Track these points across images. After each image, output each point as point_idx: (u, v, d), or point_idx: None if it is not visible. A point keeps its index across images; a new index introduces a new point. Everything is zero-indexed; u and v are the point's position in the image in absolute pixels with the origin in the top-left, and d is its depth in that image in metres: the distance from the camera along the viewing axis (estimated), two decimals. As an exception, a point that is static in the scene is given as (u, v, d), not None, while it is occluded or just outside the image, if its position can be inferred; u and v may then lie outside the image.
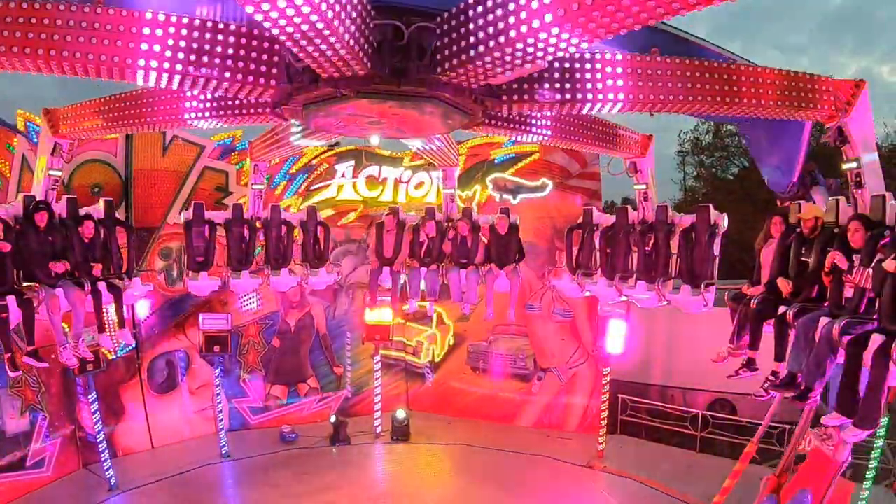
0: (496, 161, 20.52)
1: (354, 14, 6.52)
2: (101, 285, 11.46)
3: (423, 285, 13.74)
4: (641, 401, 19.36)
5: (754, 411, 19.65)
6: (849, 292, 7.91)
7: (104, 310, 11.56)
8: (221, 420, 17.83)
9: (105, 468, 15.12)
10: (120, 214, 15.44)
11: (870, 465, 14.95)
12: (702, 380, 18.83)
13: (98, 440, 15.16)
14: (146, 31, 7.18)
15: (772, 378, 8.86)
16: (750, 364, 9.64)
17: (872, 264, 7.40)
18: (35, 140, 13.57)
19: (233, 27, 7.53)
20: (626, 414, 19.39)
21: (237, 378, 19.81)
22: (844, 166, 9.32)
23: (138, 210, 17.49)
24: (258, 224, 14.09)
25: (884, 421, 17.76)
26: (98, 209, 12.13)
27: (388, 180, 21.04)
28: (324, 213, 18.24)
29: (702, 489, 14.44)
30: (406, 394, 22.13)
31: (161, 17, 7.23)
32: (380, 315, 17.62)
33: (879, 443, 17.06)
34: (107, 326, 11.77)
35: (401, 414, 19.53)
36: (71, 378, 15.26)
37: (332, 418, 19.10)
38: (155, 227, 17.89)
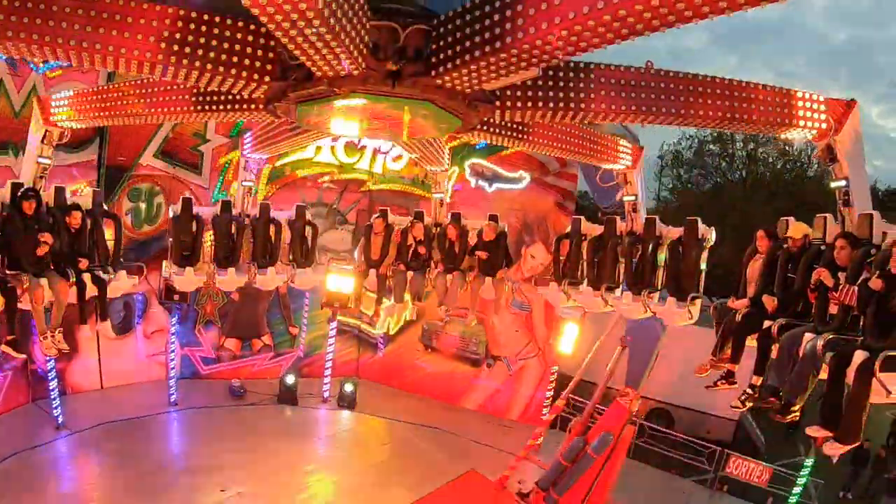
0: (477, 146, 20.54)
1: (351, 14, 6.52)
2: (86, 276, 11.38)
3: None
4: (582, 400, 19.42)
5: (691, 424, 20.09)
6: (833, 309, 7.97)
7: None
8: (173, 368, 17.80)
9: (54, 405, 15.02)
10: (93, 150, 15.31)
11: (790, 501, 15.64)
12: (645, 389, 19.01)
13: (49, 377, 15.00)
14: (142, 21, 7.16)
15: (750, 391, 8.91)
16: (729, 377, 9.68)
17: (858, 282, 7.45)
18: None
19: (229, 21, 7.51)
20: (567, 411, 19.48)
21: (193, 327, 19.76)
22: (833, 185, 9.40)
23: (112, 148, 17.35)
24: (246, 221, 14.02)
25: (809, 461, 18.16)
26: (86, 198, 12.05)
27: (367, 149, 21.04)
28: (303, 172, 18.01)
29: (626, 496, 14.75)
30: (357, 362, 22.29)
31: (157, 8, 7.22)
32: (340, 283, 17.31)
33: (803, 480, 17.51)
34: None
35: (349, 387, 19.83)
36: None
37: (291, 378, 19.14)
38: (127, 167, 17.75)
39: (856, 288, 7.40)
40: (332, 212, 21.04)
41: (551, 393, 17.93)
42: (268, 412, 18.77)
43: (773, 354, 8.67)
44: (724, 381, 9.74)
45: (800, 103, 9.22)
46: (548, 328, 19.87)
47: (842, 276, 7.89)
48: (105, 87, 10.43)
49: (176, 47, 7.33)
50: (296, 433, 17.79)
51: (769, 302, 9.06)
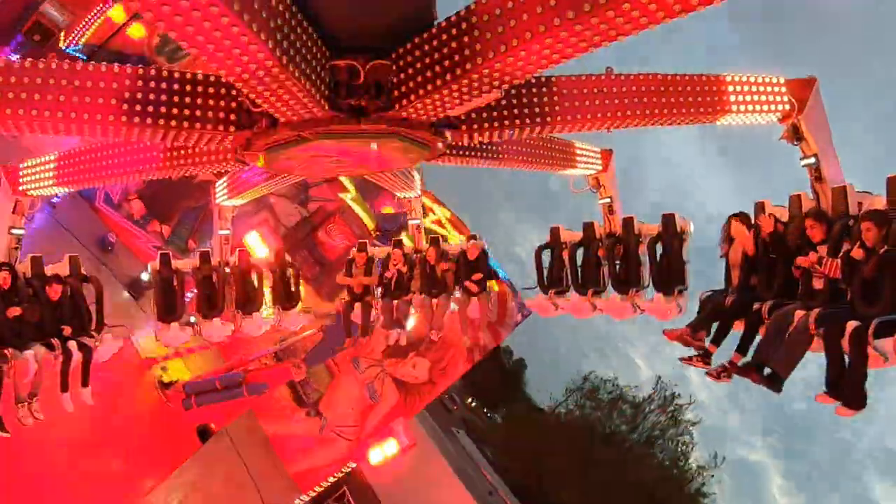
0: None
1: (310, 57, 6.53)
2: (72, 344, 11.25)
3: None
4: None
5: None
6: (818, 284, 8.08)
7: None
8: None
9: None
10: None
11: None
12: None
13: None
14: (101, 84, 7.15)
15: (728, 366, 8.87)
16: (706, 356, 9.51)
17: (840, 254, 7.56)
18: None
19: (187, 75, 7.50)
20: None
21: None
22: (803, 162, 9.51)
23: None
24: (227, 270, 13.96)
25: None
26: (63, 265, 11.93)
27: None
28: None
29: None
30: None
31: (115, 69, 7.22)
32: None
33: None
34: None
35: None
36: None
37: None
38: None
39: (838, 261, 7.53)
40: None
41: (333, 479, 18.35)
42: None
43: (761, 334, 8.69)
44: (699, 359, 9.60)
45: (762, 88, 9.34)
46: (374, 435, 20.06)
47: (823, 249, 8.01)
48: (74, 151, 10.33)
49: (137, 107, 7.29)
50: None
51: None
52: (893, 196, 8.14)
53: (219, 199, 14.02)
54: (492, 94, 6.73)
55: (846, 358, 7.35)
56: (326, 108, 7.00)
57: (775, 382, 7.98)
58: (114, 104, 7.20)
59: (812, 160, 9.40)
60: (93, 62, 7.26)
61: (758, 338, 8.76)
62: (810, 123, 9.41)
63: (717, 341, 9.41)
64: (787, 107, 9.38)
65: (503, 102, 8.09)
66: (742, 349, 8.90)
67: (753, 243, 9.21)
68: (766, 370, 8.13)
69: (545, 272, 13.59)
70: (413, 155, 8.31)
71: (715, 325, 9.51)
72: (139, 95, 7.29)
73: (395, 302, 13.66)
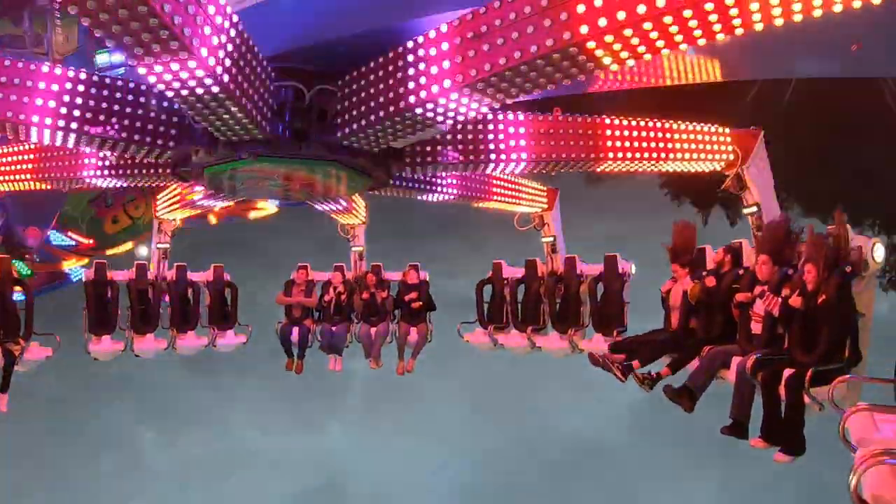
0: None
1: (254, 78, 6.43)
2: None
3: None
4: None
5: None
6: (756, 327, 8.20)
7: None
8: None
9: None
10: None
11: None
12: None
13: None
14: (41, 85, 6.91)
15: (651, 376, 8.92)
16: (626, 370, 9.38)
17: (780, 299, 7.69)
18: None
19: (131, 85, 7.32)
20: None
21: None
22: (745, 211, 9.83)
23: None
24: (164, 285, 13.64)
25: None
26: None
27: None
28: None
29: None
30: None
31: (57, 72, 7.00)
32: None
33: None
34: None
35: None
36: None
37: None
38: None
39: (780, 299, 7.66)
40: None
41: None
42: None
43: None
44: (619, 369, 9.47)
45: (707, 137, 9.53)
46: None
47: (763, 288, 8.11)
48: (4, 153, 10.00)
49: (75, 112, 7.06)
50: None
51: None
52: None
53: (159, 213, 13.74)
54: (435, 128, 6.69)
55: (783, 404, 7.41)
56: (267, 130, 6.89)
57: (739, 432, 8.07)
58: (52, 107, 6.95)
59: (754, 209, 9.72)
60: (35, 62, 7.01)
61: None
62: (753, 173, 9.71)
63: (644, 362, 9.22)
64: (732, 156, 9.63)
65: (448, 137, 8.07)
66: (674, 367, 8.93)
67: (696, 291, 9.32)
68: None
69: (485, 307, 13.61)
70: (354, 183, 8.22)
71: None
72: (79, 101, 7.07)
73: (334, 328, 13.47)
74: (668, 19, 4.90)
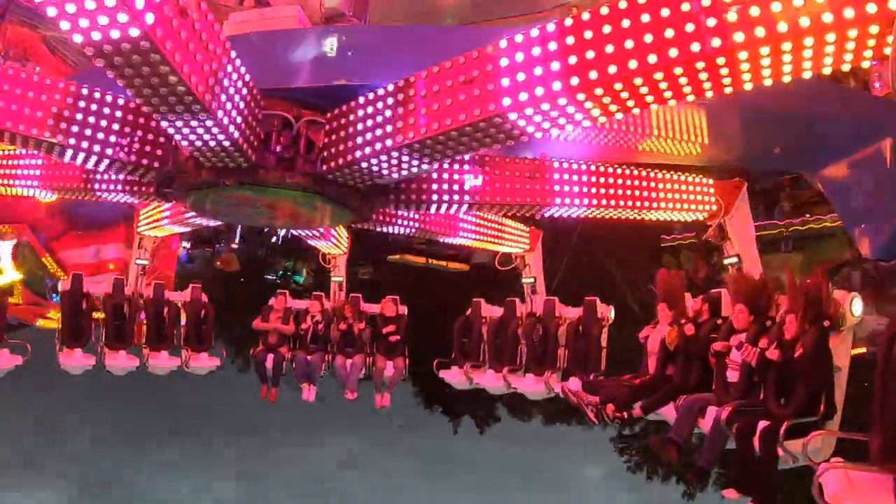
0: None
1: (242, 105, 6.40)
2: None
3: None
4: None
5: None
6: (733, 376, 8.24)
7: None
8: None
9: None
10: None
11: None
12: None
13: None
14: (30, 93, 6.82)
15: (626, 415, 9.13)
16: (598, 414, 9.54)
17: (758, 350, 7.71)
18: None
19: (120, 101, 7.24)
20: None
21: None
22: (726, 261, 10.05)
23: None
24: (140, 302, 13.51)
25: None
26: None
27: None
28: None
29: None
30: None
31: (48, 82, 6.98)
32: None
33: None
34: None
35: None
36: None
37: None
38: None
39: (757, 350, 7.70)
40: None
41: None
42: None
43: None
44: (593, 410, 9.60)
45: (690, 187, 9.62)
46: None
47: (741, 338, 8.16)
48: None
49: (62, 124, 6.95)
50: None
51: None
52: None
53: (140, 229, 13.64)
54: (421, 167, 6.68)
55: (755, 455, 7.41)
56: (253, 158, 6.84)
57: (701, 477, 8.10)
58: (40, 117, 6.86)
59: (734, 259, 9.91)
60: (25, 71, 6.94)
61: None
62: (735, 224, 9.88)
63: (618, 408, 9.29)
64: (715, 207, 9.73)
65: (433, 176, 8.06)
66: (646, 408, 9.03)
67: (674, 338, 9.34)
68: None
69: (462, 345, 13.58)
70: (338, 216, 8.18)
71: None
72: (66, 113, 6.98)
73: (309, 357, 13.37)
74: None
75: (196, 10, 5.41)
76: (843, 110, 9.21)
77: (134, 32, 4.83)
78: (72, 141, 7.05)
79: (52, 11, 4.79)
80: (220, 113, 6.07)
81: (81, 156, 7.28)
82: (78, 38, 4.98)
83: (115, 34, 4.86)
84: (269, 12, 8.68)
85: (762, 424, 7.32)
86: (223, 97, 6.07)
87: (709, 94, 5.23)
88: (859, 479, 5.62)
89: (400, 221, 10.14)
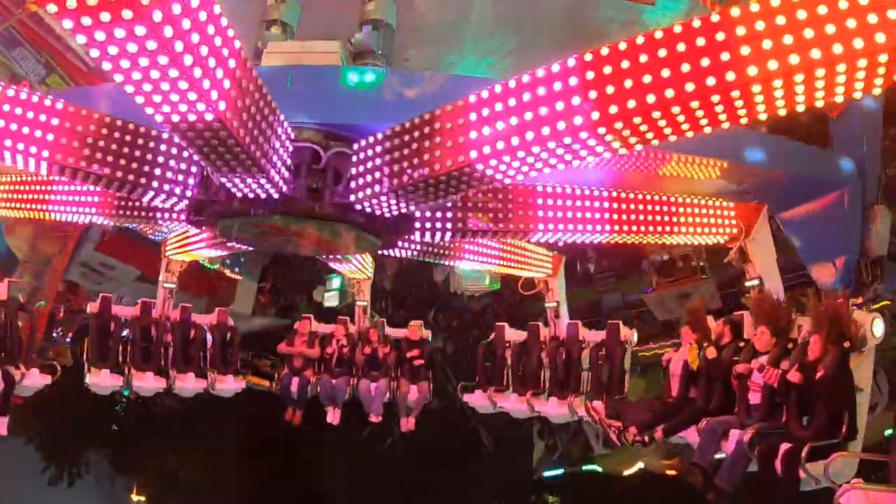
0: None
1: (274, 138, 6.60)
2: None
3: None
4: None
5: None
6: (755, 398, 8.26)
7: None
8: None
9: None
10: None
11: None
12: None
13: None
14: (66, 124, 6.98)
15: (648, 439, 9.20)
16: (621, 435, 9.63)
17: (779, 372, 7.75)
18: None
19: (153, 132, 7.40)
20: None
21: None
22: (747, 283, 10.02)
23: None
24: (168, 325, 13.70)
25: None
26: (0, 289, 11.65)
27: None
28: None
29: None
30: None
31: (83, 112, 7.08)
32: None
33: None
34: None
35: None
36: None
37: None
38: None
39: (779, 372, 7.72)
40: None
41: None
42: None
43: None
44: (615, 432, 9.70)
45: (711, 211, 9.70)
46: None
47: (764, 360, 8.16)
48: (21, 180, 10.08)
49: (98, 154, 7.10)
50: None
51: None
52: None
53: (169, 253, 13.87)
54: (447, 197, 6.83)
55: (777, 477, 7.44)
56: (283, 188, 7.04)
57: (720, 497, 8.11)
58: (75, 147, 7.01)
59: (756, 282, 9.89)
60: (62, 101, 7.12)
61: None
62: (756, 247, 9.89)
63: (640, 431, 9.37)
64: (735, 230, 9.80)
65: (458, 204, 8.21)
66: (667, 432, 9.02)
67: (694, 356, 9.39)
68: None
69: (486, 369, 13.64)
70: (364, 244, 8.35)
71: None
72: (101, 143, 7.14)
73: (334, 380, 13.50)
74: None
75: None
76: (805, 167, 10.17)
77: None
78: (106, 170, 7.19)
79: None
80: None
81: (114, 184, 7.46)
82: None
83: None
84: (309, 46, 8.90)
85: (784, 446, 7.32)
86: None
87: (725, 125, 5.37)
88: (880, 500, 5.66)
89: (423, 247, 10.30)
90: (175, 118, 5.60)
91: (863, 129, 11.68)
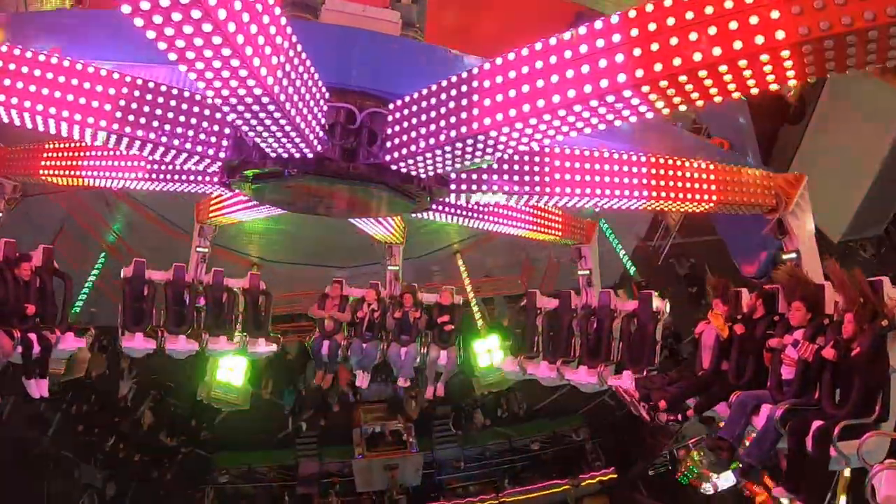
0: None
1: (308, 97, 6.52)
2: (32, 336, 11.02)
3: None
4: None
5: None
6: (788, 374, 8.10)
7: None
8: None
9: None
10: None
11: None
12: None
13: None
14: (98, 87, 7.02)
15: (682, 417, 9.19)
16: (652, 412, 9.55)
17: (815, 346, 7.61)
18: None
19: (186, 94, 7.43)
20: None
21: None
22: (785, 257, 9.76)
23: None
24: (200, 288, 13.78)
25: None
26: (36, 256, 11.76)
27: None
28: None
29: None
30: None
31: (114, 75, 7.10)
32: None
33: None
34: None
35: None
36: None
37: None
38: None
39: (814, 346, 7.59)
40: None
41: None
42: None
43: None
44: (646, 408, 9.63)
45: (751, 181, 9.49)
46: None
47: (799, 334, 8.04)
48: (54, 146, 10.20)
49: (130, 117, 7.15)
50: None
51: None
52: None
53: (200, 217, 13.93)
54: (484, 158, 6.73)
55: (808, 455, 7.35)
56: (318, 148, 6.97)
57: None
58: (107, 110, 7.05)
59: (793, 255, 9.65)
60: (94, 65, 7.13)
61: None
62: (795, 219, 9.64)
63: (670, 406, 9.30)
64: (775, 201, 9.54)
65: (494, 167, 8.10)
66: (698, 408, 8.96)
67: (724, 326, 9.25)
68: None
69: (516, 335, 13.58)
70: (398, 205, 8.28)
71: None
72: (133, 105, 7.17)
73: (364, 344, 13.53)
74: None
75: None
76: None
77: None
78: (140, 133, 7.23)
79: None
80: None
81: (148, 147, 7.47)
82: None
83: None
84: (372, 12, 8.89)
85: (816, 424, 7.21)
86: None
87: (773, 86, 5.20)
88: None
89: (455, 210, 10.21)
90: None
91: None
